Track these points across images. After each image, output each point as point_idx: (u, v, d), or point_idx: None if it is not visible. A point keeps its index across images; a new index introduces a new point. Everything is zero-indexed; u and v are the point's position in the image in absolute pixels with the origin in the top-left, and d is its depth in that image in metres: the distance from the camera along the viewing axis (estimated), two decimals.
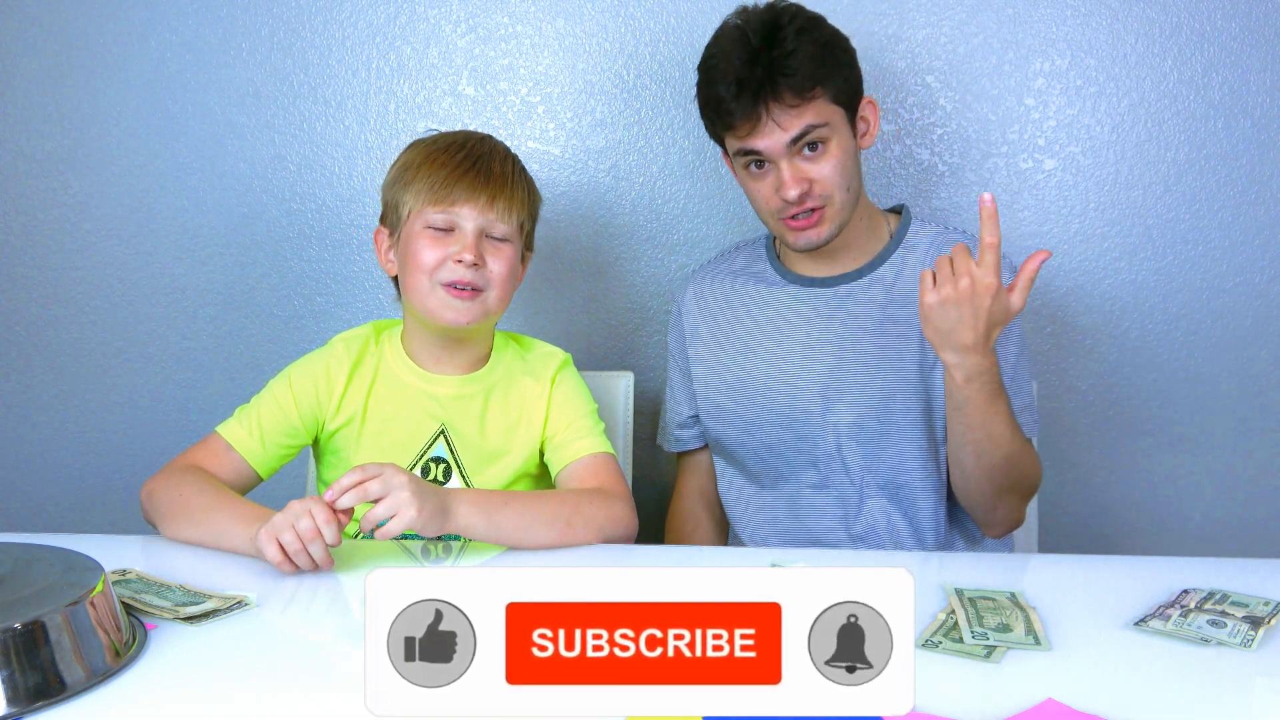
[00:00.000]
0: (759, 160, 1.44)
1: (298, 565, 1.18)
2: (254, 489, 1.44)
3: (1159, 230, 1.82)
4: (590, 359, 1.88)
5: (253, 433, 1.43)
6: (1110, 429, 1.88)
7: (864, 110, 1.49)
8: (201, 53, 1.86)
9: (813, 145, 1.42)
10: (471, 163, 1.41)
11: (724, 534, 1.66)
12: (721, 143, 1.51)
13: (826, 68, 1.42)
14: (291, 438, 1.46)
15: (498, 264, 1.40)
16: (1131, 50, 1.79)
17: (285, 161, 1.88)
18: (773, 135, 1.41)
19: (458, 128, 1.83)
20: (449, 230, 1.39)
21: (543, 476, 1.51)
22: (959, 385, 1.35)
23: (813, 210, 1.44)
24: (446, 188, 1.38)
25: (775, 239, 1.60)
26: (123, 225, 1.91)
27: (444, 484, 1.43)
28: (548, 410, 1.48)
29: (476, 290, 1.39)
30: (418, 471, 1.43)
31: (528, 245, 1.49)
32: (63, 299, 1.93)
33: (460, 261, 1.37)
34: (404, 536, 1.43)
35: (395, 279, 1.47)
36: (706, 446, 1.64)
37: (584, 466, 1.44)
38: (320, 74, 1.86)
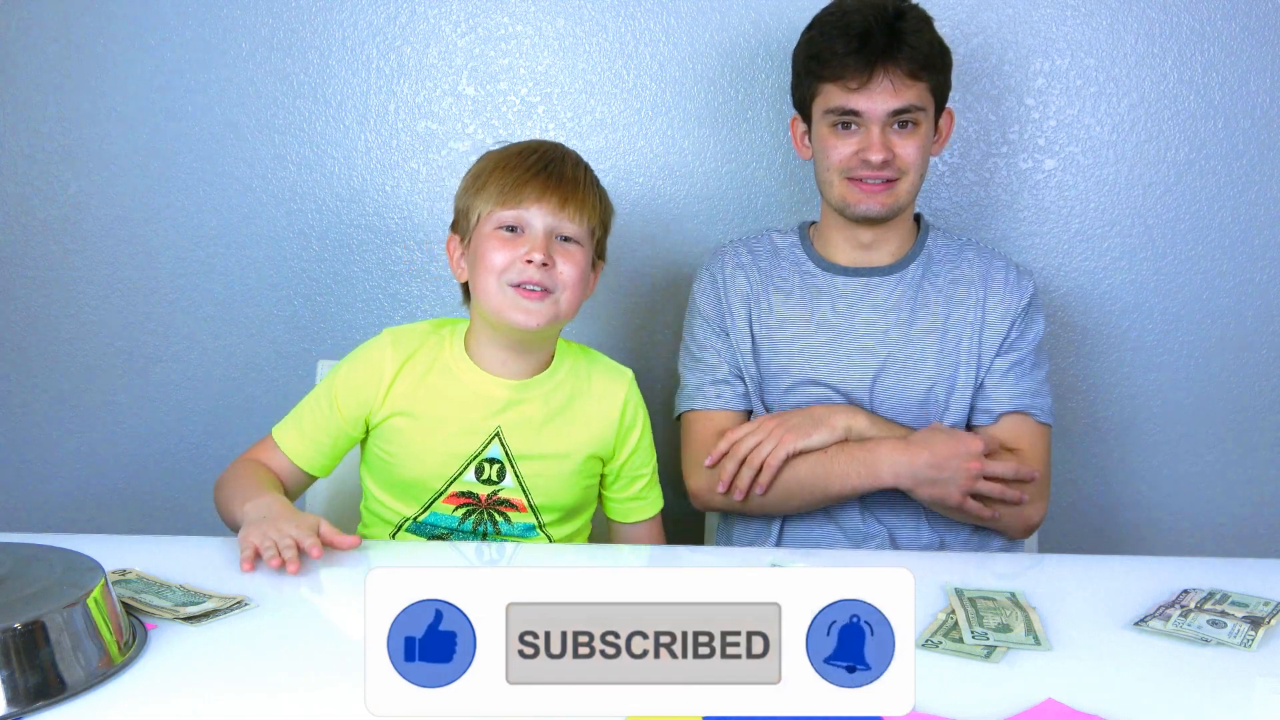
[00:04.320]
0: (848, 122, 1.49)
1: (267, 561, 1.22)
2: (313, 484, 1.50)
3: (1159, 230, 1.83)
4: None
5: (300, 436, 1.46)
6: (1110, 429, 1.88)
7: (941, 119, 1.56)
8: (201, 53, 1.85)
9: (904, 124, 1.49)
10: (543, 165, 1.41)
11: None
12: (805, 103, 1.55)
13: (934, 61, 1.50)
14: (338, 439, 1.46)
15: (568, 266, 1.38)
16: (1131, 50, 1.79)
17: (285, 161, 1.88)
18: (879, 98, 1.47)
19: (458, 128, 1.85)
20: (519, 231, 1.39)
21: (593, 485, 1.51)
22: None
23: (886, 181, 1.50)
24: (517, 189, 1.39)
25: (811, 227, 1.64)
26: (123, 225, 1.91)
27: (498, 484, 1.43)
28: (621, 434, 1.49)
29: (546, 291, 1.38)
30: (471, 471, 1.43)
31: (600, 255, 1.49)
32: (63, 299, 1.93)
33: (530, 262, 1.36)
34: (445, 535, 1.45)
35: (464, 285, 1.47)
36: (735, 408, 1.59)
37: (648, 530, 1.56)
38: (320, 74, 1.86)
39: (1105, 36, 1.78)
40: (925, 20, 1.52)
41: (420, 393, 1.43)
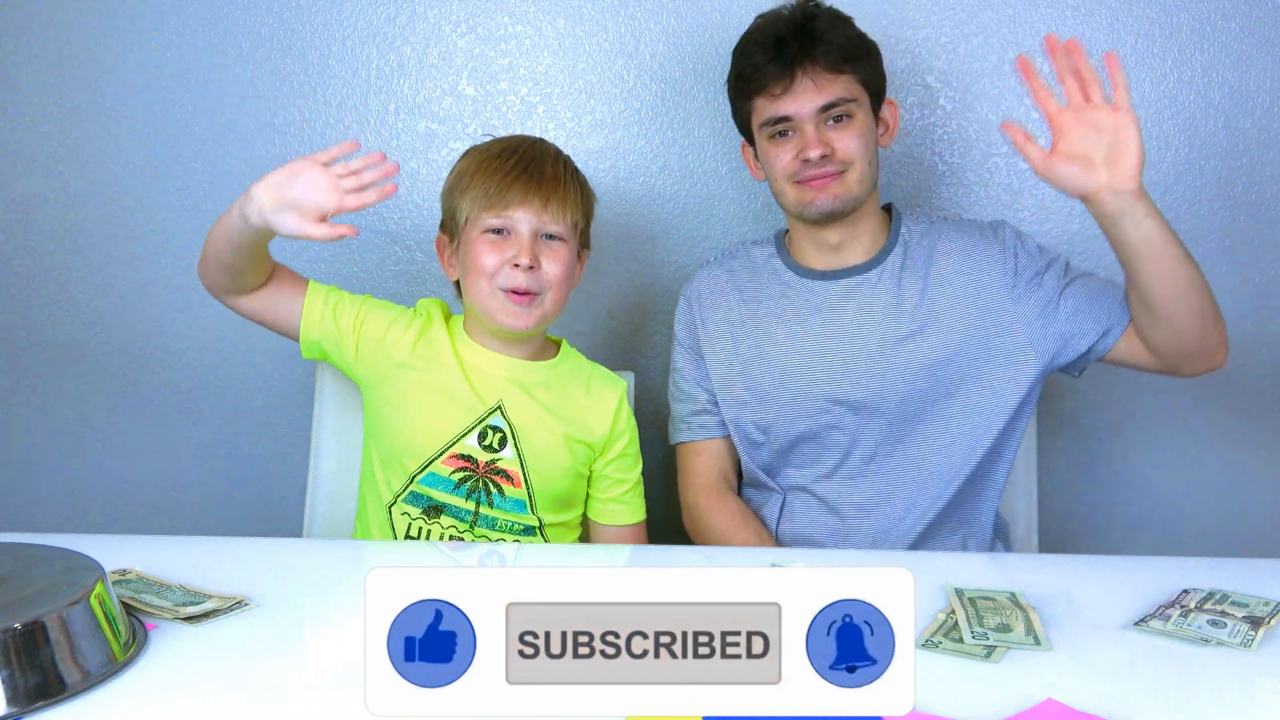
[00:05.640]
0: (783, 130, 1.51)
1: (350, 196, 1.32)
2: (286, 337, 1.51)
3: None
4: (591, 358, 1.88)
5: (328, 289, 1.50)
6: (1109, 429, 1.88)
7: (884, 111, 1.57)
8: (201, 53, 1.86)
9: (839, 118, 1.50)
10: (524, 167, 1.45)
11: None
12: (746, 126, 1.57)
13: (856, 53, 1.51)
14: (337, 327, 1.48)
15: (553, 265, 1.44)
16: (1131, 50, 1.79)
17: (285, 161, 1.87)
18: (804, 98, 1.48)
19: (458, 128, 1.85)
20: (505, 234, 1.44)
21: (583, 477, 1.54)
22: (1142, 222, 1.33)
23: (832, 174, 1.50)
24: (500, 193, 1.43)
25: (786, 235, 1.64)
26: (123, 225, 1.91)
27: (498, 452, 1.47)
28: (613, 434, 1.53)
29: (533, 294, 1.43)
30: (474, 436, 1.46)
31: (584, 244, 1.53)
32: (62, 299, 1.93)
33: (517, 266, 1.42)
34: (439, 509, 1.45)
35: (456, 283, 1.52)
36: (719, 435, 1.61)
37: (629, 536, 1.56)
38: (320, 74, 1.86)
39: (1105, 36, 1.78)
40: (840, 19, 1.54)
41: (432, 354, 1.49)
